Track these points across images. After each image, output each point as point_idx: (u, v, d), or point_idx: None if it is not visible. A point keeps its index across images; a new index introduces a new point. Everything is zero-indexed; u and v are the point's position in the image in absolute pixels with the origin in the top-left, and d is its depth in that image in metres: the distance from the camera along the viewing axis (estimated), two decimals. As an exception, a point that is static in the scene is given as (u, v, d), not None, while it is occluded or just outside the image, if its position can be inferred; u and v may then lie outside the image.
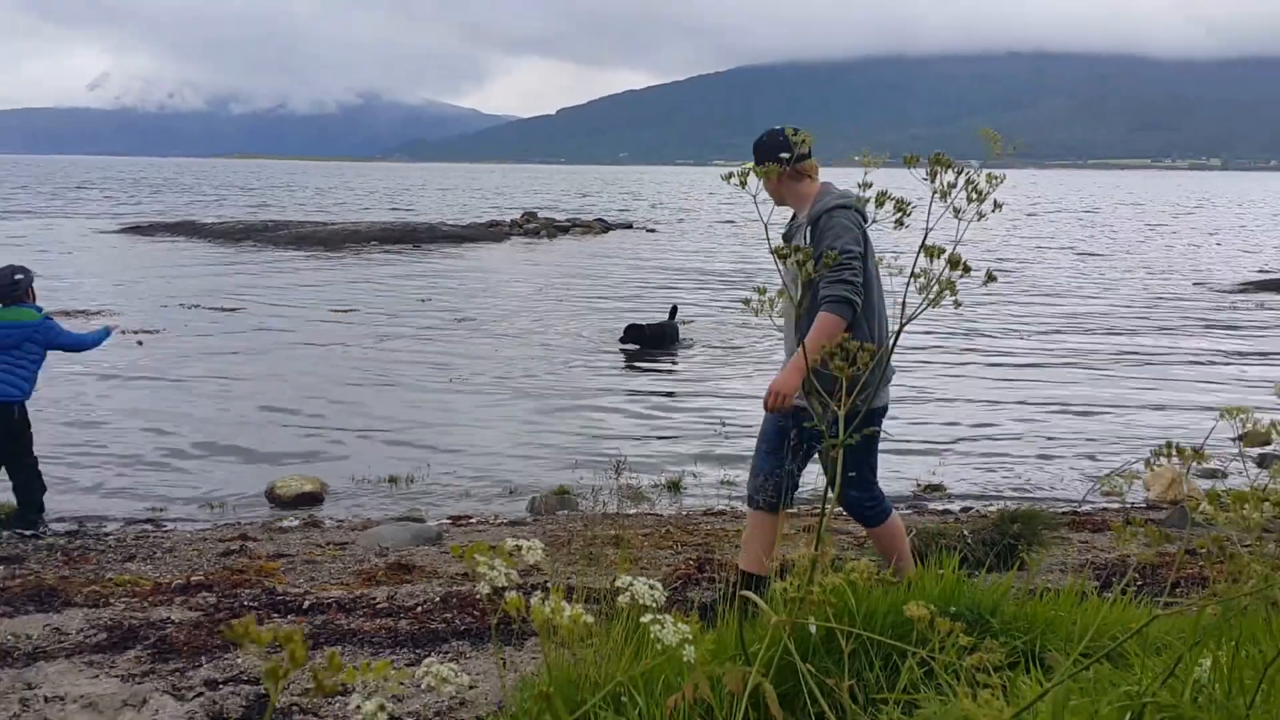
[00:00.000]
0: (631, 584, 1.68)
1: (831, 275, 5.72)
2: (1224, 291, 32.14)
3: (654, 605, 1.68)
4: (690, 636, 1.65)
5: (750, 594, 2.29)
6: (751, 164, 3.24)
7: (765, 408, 5.91)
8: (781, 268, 4.76)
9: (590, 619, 1.60)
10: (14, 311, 9.93)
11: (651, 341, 20.54)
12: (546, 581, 7.46)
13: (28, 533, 9.80)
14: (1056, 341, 22.62)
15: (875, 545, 6.43)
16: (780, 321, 6.06)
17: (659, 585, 1.68)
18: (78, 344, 10.49)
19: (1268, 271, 38.04)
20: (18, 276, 9.99)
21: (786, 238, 6.21)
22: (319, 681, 1.26)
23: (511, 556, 1.66)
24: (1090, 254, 46.50)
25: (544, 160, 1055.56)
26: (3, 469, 10.22)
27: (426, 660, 1.62)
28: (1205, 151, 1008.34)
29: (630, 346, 20.35)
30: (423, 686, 1.59)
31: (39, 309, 10.14)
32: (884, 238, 5.77)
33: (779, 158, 5.66)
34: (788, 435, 5.89)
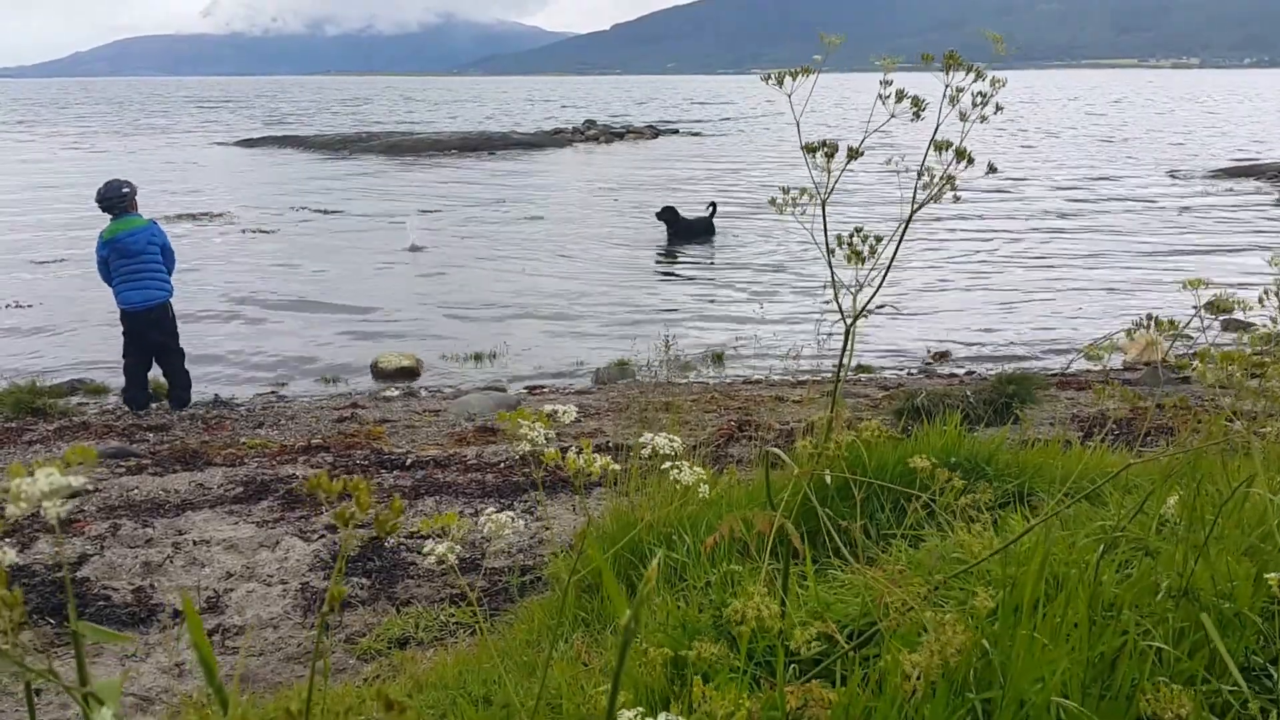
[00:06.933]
0: (652, 439, 1.69)
1: None
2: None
3: (671, 454, 1.69)
4: (705, 478, 1.67)
5: (776, 449, 2.35)
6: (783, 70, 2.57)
7: None
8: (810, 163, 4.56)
9: (618, 466, 1.63)
10: (128, 221, 9.61)
11: (684, 231, 20.31)
12: (609, 441, 7.59)
13: (182, 411, 9.91)
14: (1066, 222, 22.34)
15: None
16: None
17: (676, 439, 1.69)
18: (169, 255, 9.86)
19: None
20: (124, 190, 9.67)
21: None
22: (379, 524, 1.30)
23: (550, 420, 1.68)
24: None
25: (601, 72, 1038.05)
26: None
27: (487, 510, 1.69)
28: (1185, 51, 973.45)
29: (673, 241, 20.14)
30: (484, 533, 1.64)
31: (142, 217, 9.78)
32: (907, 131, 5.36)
33: None
34: None
